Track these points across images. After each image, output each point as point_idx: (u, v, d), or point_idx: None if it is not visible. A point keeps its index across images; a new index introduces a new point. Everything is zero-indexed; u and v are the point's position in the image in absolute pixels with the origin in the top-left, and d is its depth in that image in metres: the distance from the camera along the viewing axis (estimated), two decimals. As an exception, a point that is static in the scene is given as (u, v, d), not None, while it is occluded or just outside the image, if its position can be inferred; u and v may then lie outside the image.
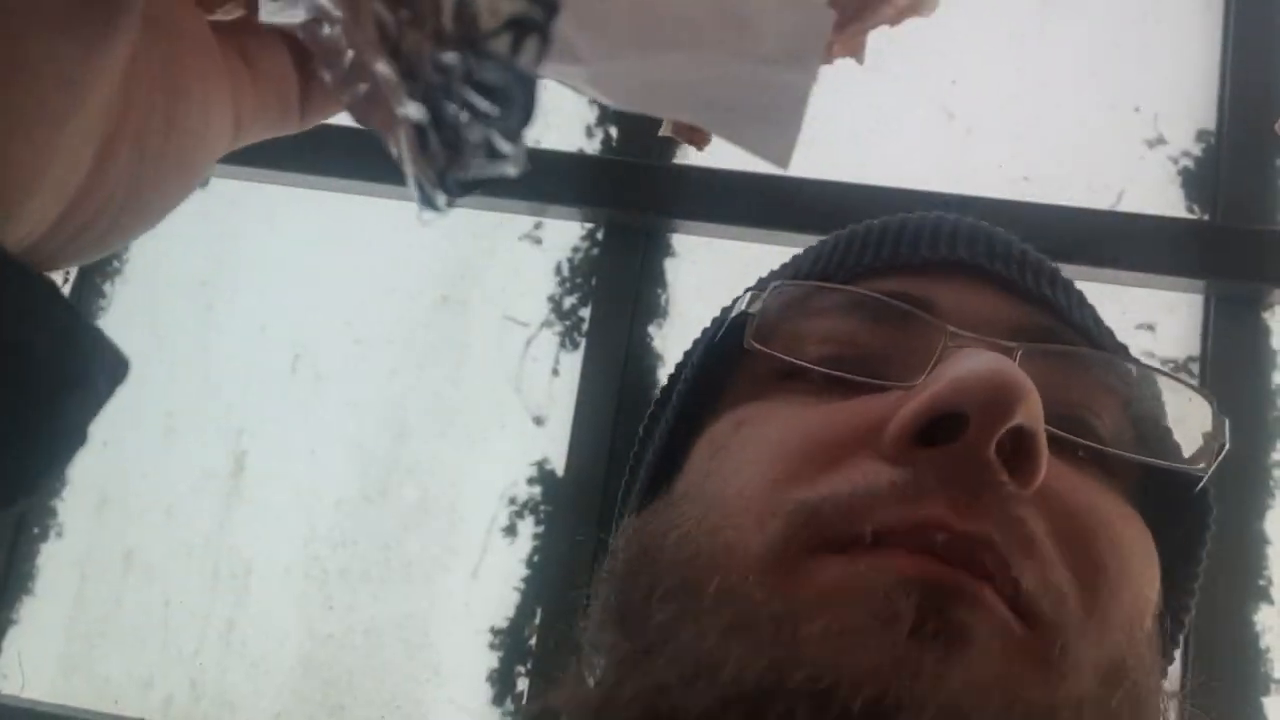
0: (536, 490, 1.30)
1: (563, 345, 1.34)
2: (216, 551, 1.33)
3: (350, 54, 0.25)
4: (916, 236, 0.44)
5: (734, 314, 0.44)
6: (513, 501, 1.30)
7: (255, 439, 1.35)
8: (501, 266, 1.38)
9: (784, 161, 0.24)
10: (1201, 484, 0.42)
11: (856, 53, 0.34)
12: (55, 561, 1.35)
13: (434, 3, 0.21)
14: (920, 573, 0.32)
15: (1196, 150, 1.29)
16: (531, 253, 1.37)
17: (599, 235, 1.35)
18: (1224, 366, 1.21)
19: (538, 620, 1.25)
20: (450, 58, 0.22)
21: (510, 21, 0.21)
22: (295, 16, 0.26)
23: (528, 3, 0.21)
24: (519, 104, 0.22)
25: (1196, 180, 1.27)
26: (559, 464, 1.29)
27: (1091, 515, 0.36)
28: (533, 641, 1.24)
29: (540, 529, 1.29)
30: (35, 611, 1.34)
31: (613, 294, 1.32)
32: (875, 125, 1.35)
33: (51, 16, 0.23)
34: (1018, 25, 1.34)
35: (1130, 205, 1.27)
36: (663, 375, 1.30)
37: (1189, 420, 0.41)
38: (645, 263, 1.33)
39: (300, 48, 0.31)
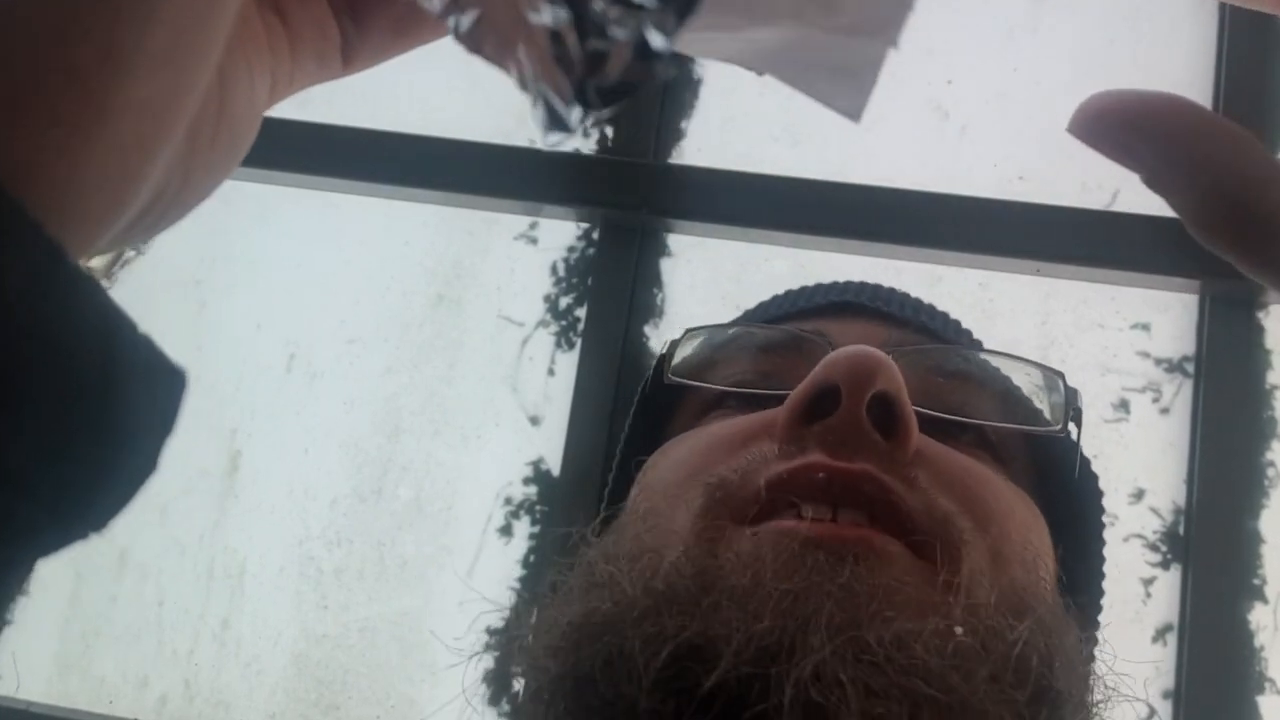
0: (532, 490, 1.30)
1: (559, 345, 1.34)
2: (211, 551, 1.32)
3: None
4: (813, 291, 0.54)
5: (659, 358, 0.52)
6: (508, 501, 1.30)
7: (249, 438, 1.35)
8: (497, 266, 1.37)
9: (856, 115, 0.25)
10: (1080, 464, 0.49)
11: None
12: (49, 561, 1.34)
13: None
14: (819, 534, 0.36)
15: (1191, 150, 1.28)
16: (527, 252, 1.37)
17: (595, 235, 1.35)
18: (1218, 366, 1.21)
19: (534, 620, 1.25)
20: None
21: None
22: None
23: None
24: None
25: (1191, 180, 1.27)
26: (555, 464, 1.29)
27: (970, 472, 0.42)
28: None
29: (536, 529, 1.29)
30: (30, 612, 1.33)
31: (608, 293, 1.32)
32: (869, 124, 1.35)
33: None
34: (1012, 24, 1.34)
35: (1125, 205, 1.27)
36: (658, 374, 1.31)
37: (1048, 396, 0.48)
38: (641, 262, 1.32)
39: None
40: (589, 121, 0.21)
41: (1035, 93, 1.32)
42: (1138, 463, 1.21)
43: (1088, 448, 0.50)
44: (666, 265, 1.33)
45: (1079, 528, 0.50)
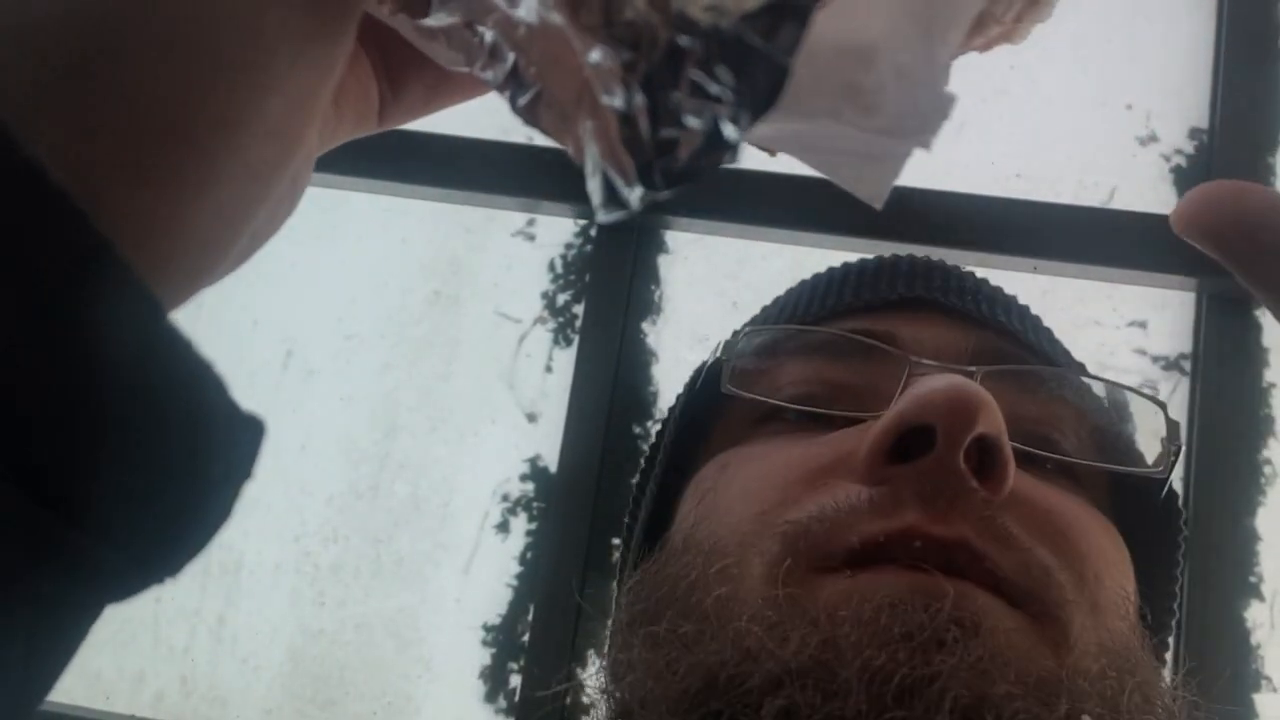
0: (529, 487, 1.30)
1: (556, 341, 1.33)
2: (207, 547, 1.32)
3: (512, 57, 0.24)
4: (876, 277, 0.48)
5: (709, 363, 0.47)
6: (505, 498, 1.30)
7: (247, 435, 1.35)
8: (494, 262, 1.37)
9: (878, 202, 0.25)
10: (1166, 488, 0.45)
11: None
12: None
13: None
14: (913, 585, 0.34)
15: (1189, 148, 1.29)
16: (524, 249, 1.37)
17: (592, 231, 1.35)
18: (1215, 364, 1.21)
19: (530, 617, 1.25)
20: (689, 41, 0.20)
21: (771, 5, 0.20)
22: (451, 20, 0.25)
23: None
24: (761, 89, 0.20)
25: (1188, 178, 1.27)
26: (552, 461, 1.29)
27: (1063, 514, 0.39)
28: (525, 638, 1.24)
29: (533, 525, 1.29)
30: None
31: (606, 290, 1.32)
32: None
33: (294, 33, 0.23)
34: (1011, 22, 1.34)
35: (1122, 203, 1.27)
36: (657, 372, 1.30)
37: (1145, 427, 0.44)
38: (639, 259, 1.32)
39: (387, 51, 0.30)
40: (648, 200, 0.22)
41: (1033, 90, 1.32)
42: (1134, 460, 1.21)
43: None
44: (664, 262, 1.33)
45: (1158, 560, 0.47)
